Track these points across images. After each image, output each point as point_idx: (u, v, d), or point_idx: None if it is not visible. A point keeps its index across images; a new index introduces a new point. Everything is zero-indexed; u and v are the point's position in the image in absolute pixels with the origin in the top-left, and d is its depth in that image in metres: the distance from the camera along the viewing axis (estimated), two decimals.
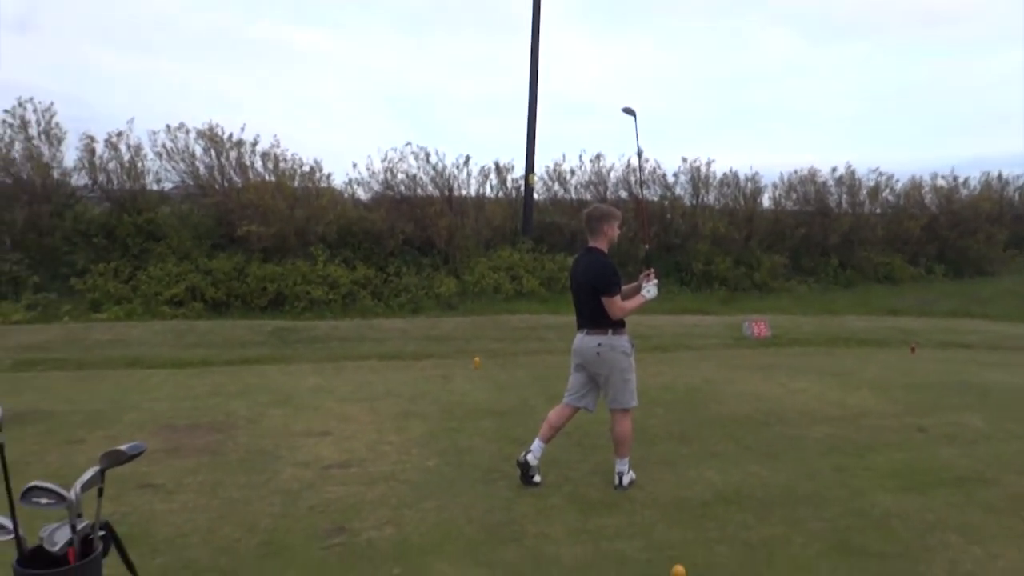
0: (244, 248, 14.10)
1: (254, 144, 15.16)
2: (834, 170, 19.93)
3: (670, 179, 18.54)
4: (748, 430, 6.09)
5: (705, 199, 18.87)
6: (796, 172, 19.88)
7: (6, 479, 2.00)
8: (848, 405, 7.00)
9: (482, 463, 5.13)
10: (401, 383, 7.81)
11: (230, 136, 15.00)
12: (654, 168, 18.43)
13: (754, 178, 19.14)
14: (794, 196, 19.87)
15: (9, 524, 1.95)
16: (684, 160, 18.75)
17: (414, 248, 15.68)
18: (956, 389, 7.86)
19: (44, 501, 1.92)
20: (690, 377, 8.22)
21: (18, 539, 1.94)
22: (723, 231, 17.98)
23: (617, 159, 21.49)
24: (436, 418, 6.39)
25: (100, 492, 2.03)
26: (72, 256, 13.36)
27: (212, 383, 7.70)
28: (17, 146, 13.65)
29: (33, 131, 13.71)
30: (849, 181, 20.01)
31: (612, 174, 18.21)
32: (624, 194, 18.36)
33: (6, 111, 13.54)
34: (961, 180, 21.78)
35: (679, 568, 3.40)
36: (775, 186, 19.79)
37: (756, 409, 6.77)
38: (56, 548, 1.90)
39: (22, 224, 13.27)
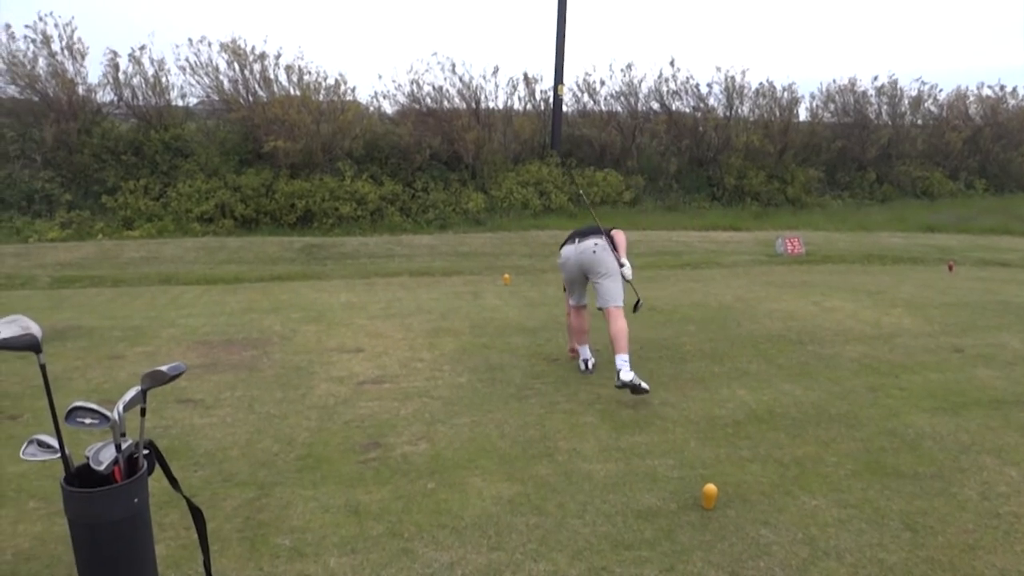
0: (271, 164, 14.04)
1: (277, 57, 14.91)
2: (875, 79, 19.18)
3: (703, 90, 17.98)
4: (781, 349, 6.05)
5: (739, 111, 18.32)
6: (835, 82, 19.17)
7: (50, 399, 2.02)
8: (883, 324, 6.90)
9: (514, 379, 5.17)
10: (431, 300, 7.84)
11: (253, 49, 14.74)
12: (687, 79, 17.86)
13: (790, 88, 18.50)
14: (832, 107, 19.23)
15: (55, 443, 1.98)
16: (718, 69, 18.11)
17: (441, 163, 15.50)
18: (994, 309, 7.70)
19: (88, 421, 1.95)
20: (722, 295, 8.14)
21: (65, 458, 1.98)
22: (757, 144, 17.50)
23: (649, 69, 20.83)
24: (467, 335, 6.42)
25: (143, 412, 2.05)
26: (102, 174, 13.41)
27: (245, 299, 7.79)
28: (41, 62, 13.54)
29: (56, 46, 13.57)
30: (891, 91, 19.26)
31: (643, 84, 17.70)
32: (656, 105, 17.87)
33: (27, 26, 13.38)
34: (1009, 90, 20.86)
35: (711, 486, 3.42)
36: (812, 97, 19.17)
37: (789, 327, 6.70)
38: (102, 467, 1.93)
39: (51, 142, 13.29)
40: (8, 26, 13.36)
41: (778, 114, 18.44)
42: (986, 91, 20.70)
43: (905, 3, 47.45)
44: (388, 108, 16.54)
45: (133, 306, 7.47)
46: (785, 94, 18.45)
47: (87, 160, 13.45)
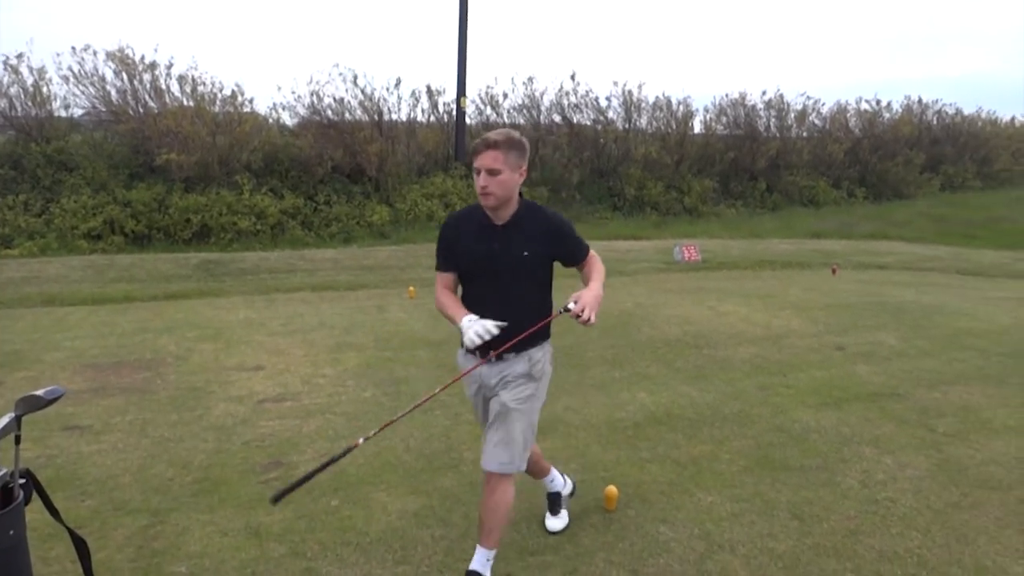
0: (164, 178, 13.48)
1: (169, 67, 14.35)
2: (763, 93, 20.20)
3: (603, 103, 18.47)
4: (678, 352, 6.28)
5: (638, 123, 18.92)
6: (727, 96, 20.08)
7: None
8: (772, 326, 7.26)
9: (419, 392, 5.15)
10: (335, 314, 7.72)
11: (142, 58, 14.15)
12: (587, 92, 18.31)
13: (685, 102, 19.25)
14: (724, 120, 20.11)
15: None
16: (616, 84, 18.66)
17: (344, 176, 15.28)
18: (873, 309, 8.23)
19: None
20: (623, 302, 8.37)
21: None
22: (655, 155, 18.10)
23: (550, 82, 21.25)
24: (371, 349, 6.36)
25: (17, 440, 1.95)
26: None
27: (137, 319, 7.45)
28: None
29: None
30: (778, 104, 20.33)
31: (545, 97, 18.02)
32: (557, 118, 18.22)
33: None
34: (884, 104, 22.40)
35: (612, 488, 3.53)
36: (706, 110, 20.00)
37: (686, 332, 6.96)
38: None
39: None
40: None
41: (674, 127, 19.14)
42: (864, 105, 22.18)
43: (790, 23, 50.28)
44: (288, 120, 16.20)
45: (13, 329, 7.02)
46: (680, 107, 19.21)
47: None
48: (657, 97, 19.13)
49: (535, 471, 3.30)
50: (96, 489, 3.65)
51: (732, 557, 3.10)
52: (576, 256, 2.87)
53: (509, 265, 2.72)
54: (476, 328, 2.64)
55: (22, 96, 13.61)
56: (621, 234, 15.50)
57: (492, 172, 2.60)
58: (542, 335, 2.81)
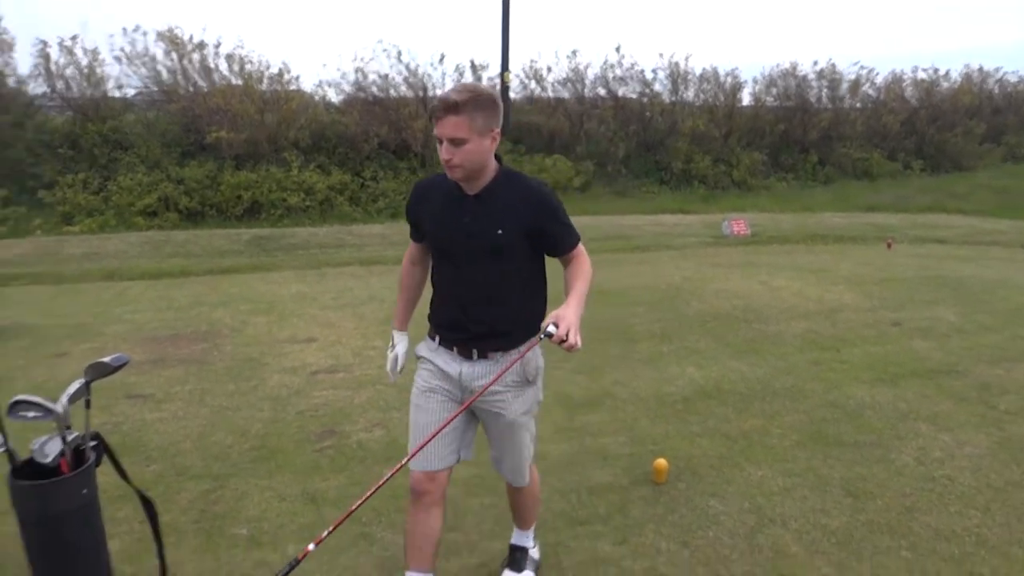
0: (215, 156, 13.75)
1: (217, 46, 14.57)
2: (815, 63, 19.62)
3: (649, 76, 18.17)
4: (728, 327, 6.20)
5: (685, 96, 18.58)
6: (777, 66, 19.56)
7: None
8: (825, 301, 7.12)
9: None
10: (383, 288, 7.81)
11: (191, 38, 14.38)
12: (632, 65, 18.02)
13: (733, 73, 18.82)
14: (774, 91, 19.60)
15: None
16: (662, 56, 18.32)
17: (390, 152, 15.37)
18: (930, 284, 8.00)
19: (31, 415, 1.92)
20: (670, 276, 8.29)
21: (9, 451, 1.95)
22: (703, 128, 17.77)
23: (594, 55, 20.98)
24: (420, 323, 6.39)
25: (87, 404, 2.03)
26: (37, 168, 12.96)
27: (192, 293, 7.65)
28: None
29: None
30: (830, 75, 19.72)
31: (589, 71, 17.80)
32: (602, 91, 18.00)
33: None
34: (942, 73, 21.56)
35: (661, 461, 3.52)
36: (755, 81, 19.51)
37: (735, 306, 6.87)
38: (48, 459, 1.91)
39: None
40: None
41: (722, 99, 18.74)
42: (920, 74, 21.36)
43: None
44: (334, 97, 16.32)
45: (76, 303, 7.27)
46: (728, 79, 18.78)
47: (21, 154, 12.98)
48: (704, 69, 18.73)
49: (523, 509, 2.75)
50: (159, 455, 3.78)
51: (784, 531, 3.07)
52: (560, 243, 2.32)
53: (481, 245, 2.23)
54: (390, 355, 2.50)
55: (78, 77, 13.96)
56: (668, 208, 15.32)
57: (456, 142, 2.09)
58: (531, 327, 2.27)
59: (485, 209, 2.23)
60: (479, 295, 2.29)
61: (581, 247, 2.36)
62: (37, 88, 13.92)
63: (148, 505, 2.29)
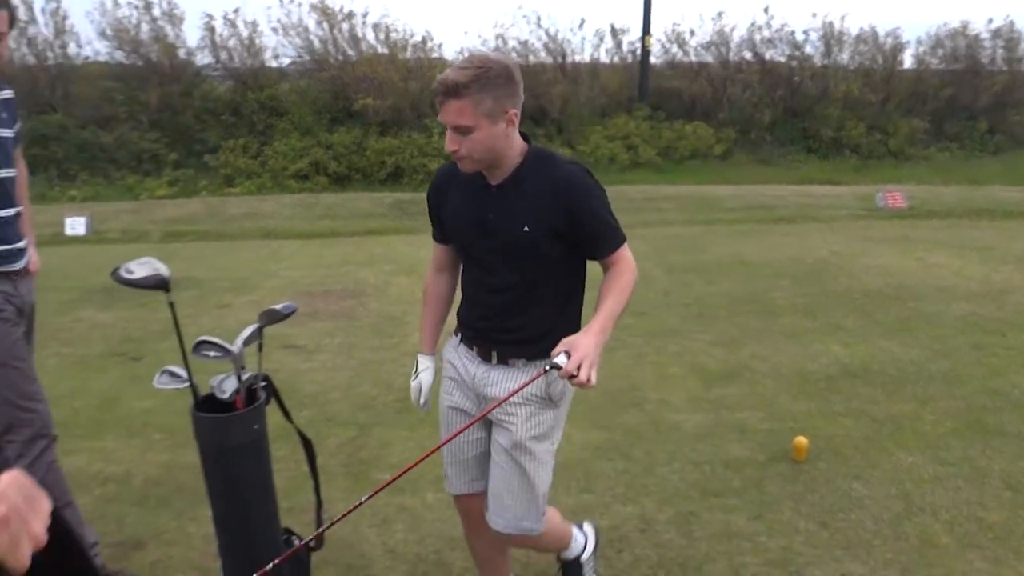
0: (362, 122, 14.33)
1: (365, 15, 15.14)
2: (990, 21, 17.84)
3: (799, 37, 17.16)
4: (878, 305, 5.85)
5: (838, 58, 17.42)
6: (945, 25, 17.93)
7: (179, 333, 2.21)
8: (991, 281, 6.57)
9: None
10: None
11: (341, 8, 14.99)
12: (781, 26, 17.08)
13: (894, 33, 17.41)
14: (940, 53, 17.99)
15: (184, 373, 2.17)
16: (815, 15, 17.23)
17: (527, 118, 15.45)
18: None
19: (212, 354, 2.11)
20: (817, 250, 7.90)
21: (193, 387, 2.16)
22: (857, 94, 16.63)
23: (740, 17, 20.05)
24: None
25: (260, 347, 2.21)
26: (203, 134, 14.00)
27: (340, 253, 8.08)
28: (144, 28, 14.16)
29: (156, 11, 14.16)
30: (1007, 34, 17.86)
31: (735, 33, 17.04)
32: (748, 55, 17.21)
33: None
34: None
35: (802, 439, 3.41)
36: (919, 42, 17.95)
37: (888, 283, 6.47)
38: (226, 395, 2.11)
39: (156, 104, 13.94)
40: None
41: (880, 61, 17.40)
42: None
43: None
44: None
45: (238, 258, 7.87)
46: (888, 40, 17.38)
47: (189, 121, 14.06)
48: (862, 29, 17.41)
49: (551, 542, 2.32)
50: (311, 402, 4.07)
51: (934, 521, 2.91)
52: (599, 243, 1.92)
53: (506, 244, 1.90)
54: (413, 383, 2.22)
55: (239, 48, 14.91)
56: (816, 178, 14.53)
57: (461, 130, 1.78)
58: (566, 333, 1.79)
59: (508, 202, 1.89)
60: (505, 301, 1.96)
61: (626, 251, 1.94)
62: (203, 59, 15.00)
63: (307, 445, 2.48)
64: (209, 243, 9.02)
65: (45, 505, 0.78)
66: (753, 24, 16.90)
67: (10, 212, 2.35)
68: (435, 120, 14.37)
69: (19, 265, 2.38)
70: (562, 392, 2.02)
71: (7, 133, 2.37)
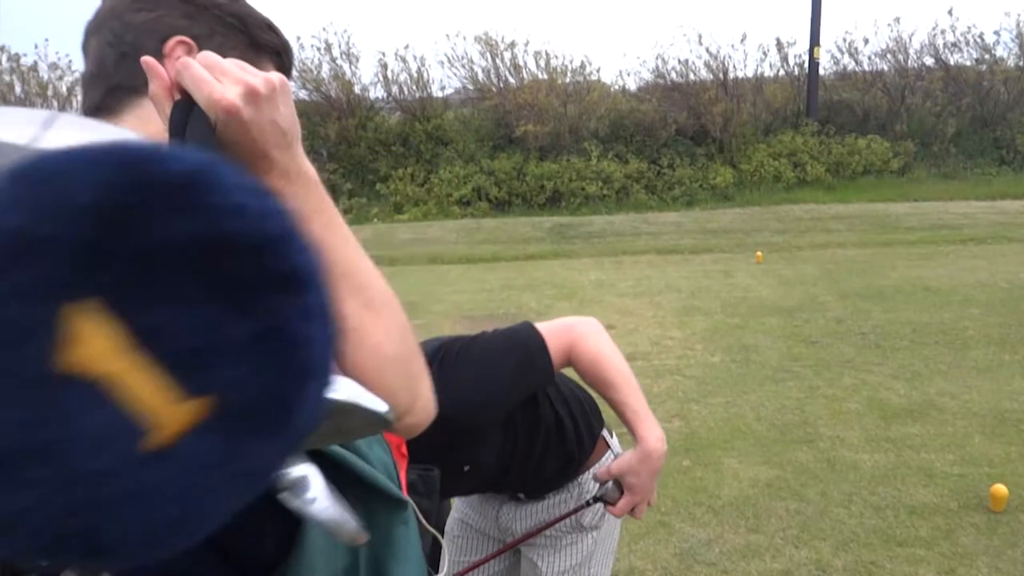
0: (522, 148, 14.73)
1: (526, 44, 15.62)
2: None
3: (989, 39, 15.76)
4: None
5: None
6: None
7: None
8: None
9: (770, 361, 5.03)
10: (680, 277, 7.82)
11: (503, 38, 15.52)
12: (968, 28, 15.77)
13: None
14: None
15: None
16: (1007, 15, 15.75)
17: (687, 138, 15.23)
18: None
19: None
20: (1013, 274, 7.19)
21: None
22: None
23: (920, 21, 18.71)
24: (719, 314, 6.34)
25: None
26: (376, 164, 14.96)
27: (502, 277, 8.33)
28: (324, 67, 15.40)
29: (336, 52, 15.35)
30: None
31: (914, 39, 15.93)
32: (930, 60, 16.02)
33: (313, 36, 15.26)
34: None
35: (1000, 487, 3.12)
36: None
37: None
38: None
39: (334, 138, 15.06)
40: (298, 38, 15.34)
41: None
42: None
43: None
44: (632, 85, 16.57)
45: (407, 283, 8.32)
46: None
47: (363, 152, 15.08)
48: None
49: None
50: None
51: None
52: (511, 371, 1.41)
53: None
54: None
55: (408, 81, 15.83)
56: (1010, 193, 13.23)
57: None
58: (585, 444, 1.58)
59: None
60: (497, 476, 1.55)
61: (551, 328, 1.44)
62: (376, 93, 16.07)
63: None
64: (380, 268, 9.51)
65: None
66: (935, 28, 15.75)
67: None
68: (593, 143, 14.52)
69: None
70: (596, 516, 1.61)
71: None
